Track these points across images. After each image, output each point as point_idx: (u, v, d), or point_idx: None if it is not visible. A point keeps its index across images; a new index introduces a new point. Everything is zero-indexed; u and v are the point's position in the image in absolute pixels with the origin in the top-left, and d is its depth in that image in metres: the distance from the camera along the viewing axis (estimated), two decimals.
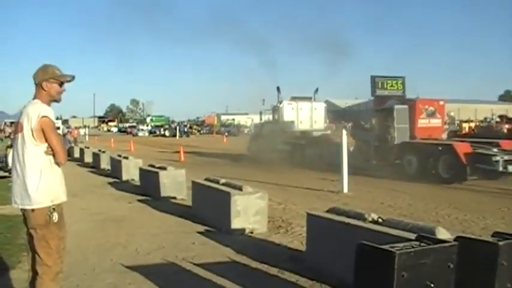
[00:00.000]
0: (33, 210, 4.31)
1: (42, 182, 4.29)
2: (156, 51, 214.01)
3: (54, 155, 4.35)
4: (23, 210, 4.40)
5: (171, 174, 12.81)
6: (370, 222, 5.58)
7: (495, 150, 16.67)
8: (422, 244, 3.51)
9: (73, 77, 4.57)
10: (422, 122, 19.39)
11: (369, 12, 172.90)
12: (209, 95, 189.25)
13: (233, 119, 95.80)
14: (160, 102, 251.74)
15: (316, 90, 28.15)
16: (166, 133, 73.19)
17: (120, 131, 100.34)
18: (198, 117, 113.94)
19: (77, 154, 27.54)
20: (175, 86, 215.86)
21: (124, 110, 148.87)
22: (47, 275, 4.34)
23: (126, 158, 17.80)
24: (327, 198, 12.87)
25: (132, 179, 16.26)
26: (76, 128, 63.61)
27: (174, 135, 66.16)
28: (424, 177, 16.87)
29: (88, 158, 24.33)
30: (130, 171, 16.68)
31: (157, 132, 78.08)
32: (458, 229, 8.67)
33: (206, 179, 10.39)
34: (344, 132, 14.34)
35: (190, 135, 70.91)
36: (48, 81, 4.44)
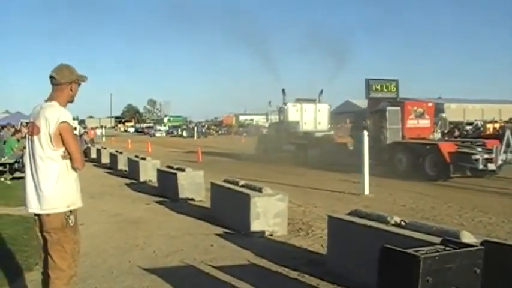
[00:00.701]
0: (48, 214, 4.28)
1: (58, 187, 4.27)
2: (174, 51, 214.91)
3: (71, 160, 4.32)
4: (37, 215, 4.36)
5: (190, 176, 12.85)
6: (393, 225, 5.54)
7: (479, 149, 17.96)
8: (447, 248, 3.47)
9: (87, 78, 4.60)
10: (411, 122, 20.83)
11: (387, 10, 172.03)
12: (227, 95, 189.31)
13: (251, 120, 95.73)
14: (177, 103, 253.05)
15: (321, 92, 29.47)
16: (184, 134, 73.54)
17: (137, 131, 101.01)
18: (216, 118, 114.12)
19: (93, 155, 27.75)
20: (193, 86, 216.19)
21: (141, 110, 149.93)
22: (60, 279, 4.31)
23: (144, 158, 17.90)
24: (347, 201, 12.83)
25: (150, 180, 16.35)
26: (92, 128, 64.14)
27: (192, 136, 66.44)
28: (413, 174, 18.15)
29: (105, 159, 24.52)
30: (148, 172, 16.76)
31: (175, 133, 78.53)
32: (483, 233, 8.57)
33: (225, 181, 10.41)
34: (365, 133, 14.25)
35: (208, 136, 71.17)
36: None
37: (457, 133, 39.96)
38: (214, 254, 7.30)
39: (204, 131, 75.55)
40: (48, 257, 4.37)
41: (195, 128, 72.29)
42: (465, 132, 41.00)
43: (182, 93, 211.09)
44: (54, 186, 4.25)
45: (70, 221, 4.31)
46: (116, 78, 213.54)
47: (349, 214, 6.38)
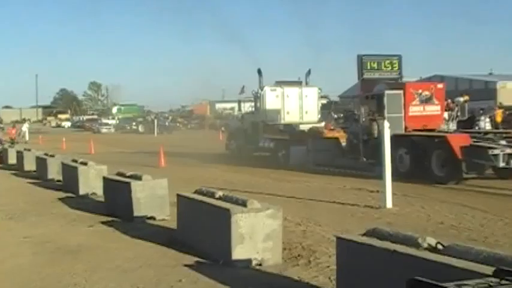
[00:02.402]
0: None
1: None
2: (125, 19, 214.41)
3: None
4: None
5: (148, 186, 12.79)
6: (426, 249, 5.54)
7: (503, 142, 18.60)
8: (503, 282, 3.45)
9: None
10: (414, 109, 21.37)
11: None
12: (197, 76, 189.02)
13: (231, 108, 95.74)
14: (130, 86, 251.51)
15: (309, 72, 30.31)
16: (140, 128, 73.73)
17: (75, 126, 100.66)
18: (183, 106, 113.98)
19: (13, 159, 27.48)
20: (150, 65, 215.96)
21: (80, 97, 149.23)
22: None
23: (85, 163, 17.79)
24: (363, 216, 12.89)
25: (93, 193, 16.25)
26: (16, 123, 63.59)
27: (151, 132, 66.38)
28: (417, 175, 18.73)
29: (29, 165, 24.23)
30: (91, 182, 16.67)
31: (128, 127, 78.49)
32: None
33: (197, 192, 10.36)
34: (386, 124, 14.27)
35: (174, 131, 71.03)
36: None
37: None
38: None
39: (167, 124, 75.58)
40: None
41: (156, 121, 72.16)
42: None
43: (136, 74, 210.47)
44: None
45: None
46: (44, 55, 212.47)
47: (365, 235, 6.38)
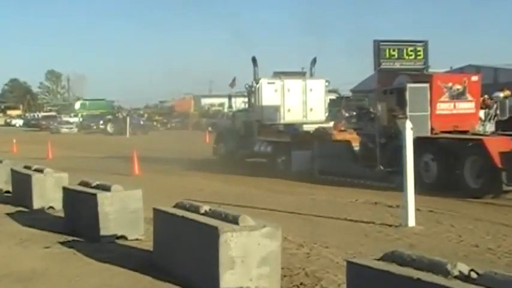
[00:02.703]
0: None
1: None
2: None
3: None
4: None
5: (119, 198, 12.77)
6: (456, 277, 5.55)
7: None
8: None
9: None
10: (443, 107, 21.29)
11: None
12: (179, 65, 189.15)
13: (220, 105, 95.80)
14: (97, 77, 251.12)
15: (314, 60, 30.58)
16: (109, 128, 73.75)
17: (28, 124, 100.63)
18: (162, 102, 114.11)
19: None
20: (122, 51, 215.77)
21: (35, 89, 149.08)
22: None
23: (40, 171, 17.75)
24: (380, 237, 12.96)
25: (51, 207, 16.23)
26: None
27: (123, 132, 66.40)
28: (447, 187, 18.73)
29: None
30: (48, 194, 16.63)
31: (94, 127, 78.55)
32: None
33: (178, 206, 10.36)
34: (409, 124, 14.29)
35: (150, 132, 71.11)
36: None
37: None
38: None
39: (142, 123, 75.81)
40: None
41: (128, 119, 72.17)
42: None
43: (104, 62, 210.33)
44: None
45: None
46: None
47: (382, 259, 6.39)
